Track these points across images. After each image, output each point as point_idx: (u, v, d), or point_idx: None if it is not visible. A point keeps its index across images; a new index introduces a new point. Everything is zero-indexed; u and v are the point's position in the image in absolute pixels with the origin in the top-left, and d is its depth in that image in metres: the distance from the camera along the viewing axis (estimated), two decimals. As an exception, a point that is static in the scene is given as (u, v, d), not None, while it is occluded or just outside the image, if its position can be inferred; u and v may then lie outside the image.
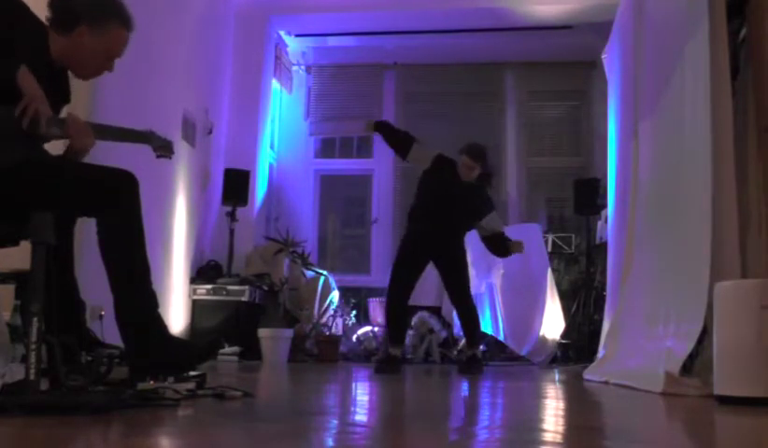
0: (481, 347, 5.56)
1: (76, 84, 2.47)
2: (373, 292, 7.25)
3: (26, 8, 2.25)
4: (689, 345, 2.76)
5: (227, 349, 5.65)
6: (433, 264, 4.90)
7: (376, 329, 6.80)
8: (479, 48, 8.02)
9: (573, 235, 7.18)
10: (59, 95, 2.36)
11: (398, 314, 4.83)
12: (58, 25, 2.28)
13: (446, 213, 4.75)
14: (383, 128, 5.01)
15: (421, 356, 6.46)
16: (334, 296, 6.99)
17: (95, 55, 2.32)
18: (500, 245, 4.89)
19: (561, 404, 2.47)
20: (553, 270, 6.83)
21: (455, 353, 6.29)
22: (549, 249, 6.97)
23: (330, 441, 1.43)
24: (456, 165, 4.76)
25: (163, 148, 2.52)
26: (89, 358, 2.06)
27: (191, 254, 6.34)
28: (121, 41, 2.37)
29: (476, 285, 6.65)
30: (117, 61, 2.41)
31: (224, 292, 6.16)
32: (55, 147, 2.37)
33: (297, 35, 8.05)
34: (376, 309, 6.93)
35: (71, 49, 2.29)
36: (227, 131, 7.26)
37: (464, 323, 4.95)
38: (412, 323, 6.47)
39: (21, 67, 2.02)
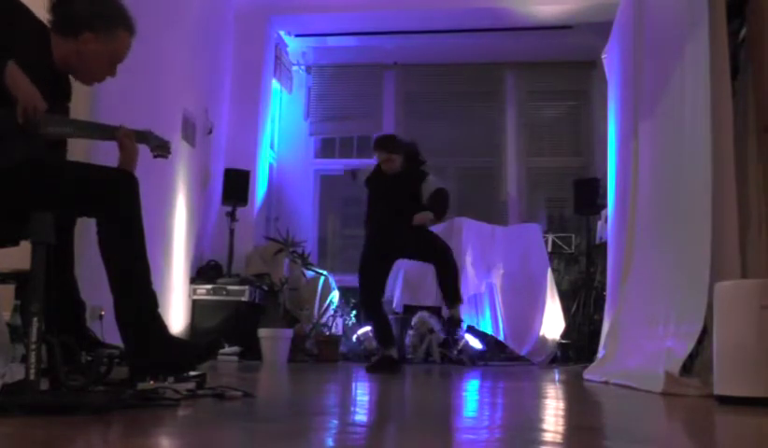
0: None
1: (76, 84, 2.47)
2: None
3: (27, 9, 2.25)
4: (689, 345, 2.76)
5: (227, 349, 5.64)
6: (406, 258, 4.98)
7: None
8: (479, 48, 8.02)
9: (573, 235, 7.17)
10: (61, 95, 2.36)
11: (377, 317, 4.82)
12: (62, 30, 2.28)
13: (392, 204, 4.79)
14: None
15: (421, 356, 6.46)
16: (334, 296, 6.99)
17: (100, 61, 2.33)
18: (439, 202, 4.79)
19: (561, 404, 2.47)
20: (553, 270, 6.83)
21: (455, 353, 6.29)
22: (549, 249, 6.96)
23: (330, 441, 1.43)
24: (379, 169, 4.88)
25: (161, 148, 2.52)
26: (89, 358, 2.06)
27: (191, 254, 6.34)
28: (126, 47, 2.38)
29: (476, 285, 6.66)
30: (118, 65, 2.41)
31: (224, 292, 6.16)
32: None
33: (297, 35, 8.05)
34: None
35: (75, 54, 2.29)
36: (227, 131, 7.26)
37: (440, 275, 4.80)
38: (412, 323, 6.47)
39: (9, 63, 2.01)
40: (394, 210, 4.79)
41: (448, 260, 4.77)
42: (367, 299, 4.83)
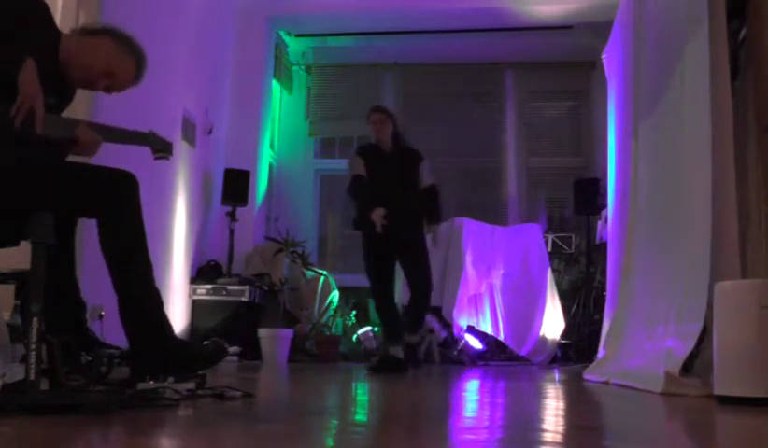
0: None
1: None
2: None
3: (47, 10, 2.26)
4: (689, 345, 2.76)
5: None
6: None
7: (375, 328, 6.80)
8: (479, 48, 8.02)
9: (573, 235, 7.17)
10: (64, 98, 2.37)
11: (386, 312, 4.78)
12: (84, 30, 2.33)
13: (391, 189, 4.60)
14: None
15: (421, 356, 6.45)
16: (334, 296, 6.98)
17: (98, 62, 2.33)
18: (432, 205, 4.72)
19: (561, 404, 2.47)
20: (553, 270, 6.83)
21: (455, 353, 6.29)
22: (549, 249, 6.96)
23: (330, 441, 1.43)
24: (375, 146, 4.81)
25: (163, 150, 2.52)
26: (89, 358, 2.06)
27: (191, 254, 6.34)
28: (125, 74, 2.40)
29: (476, 285, 6.66)
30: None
31: (224, 292, 6.16)
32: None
33: (297, 35, 8.05)
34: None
35: (81, 47, 2.30)
36: (227, 131, 7.26)
37: (411, 304, 4.81)
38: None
39: (28, 59, 2.02)
40: (392, 194, 4.56)
41: (425, 296, 4.72)
42: (375, 294, 4.79)
